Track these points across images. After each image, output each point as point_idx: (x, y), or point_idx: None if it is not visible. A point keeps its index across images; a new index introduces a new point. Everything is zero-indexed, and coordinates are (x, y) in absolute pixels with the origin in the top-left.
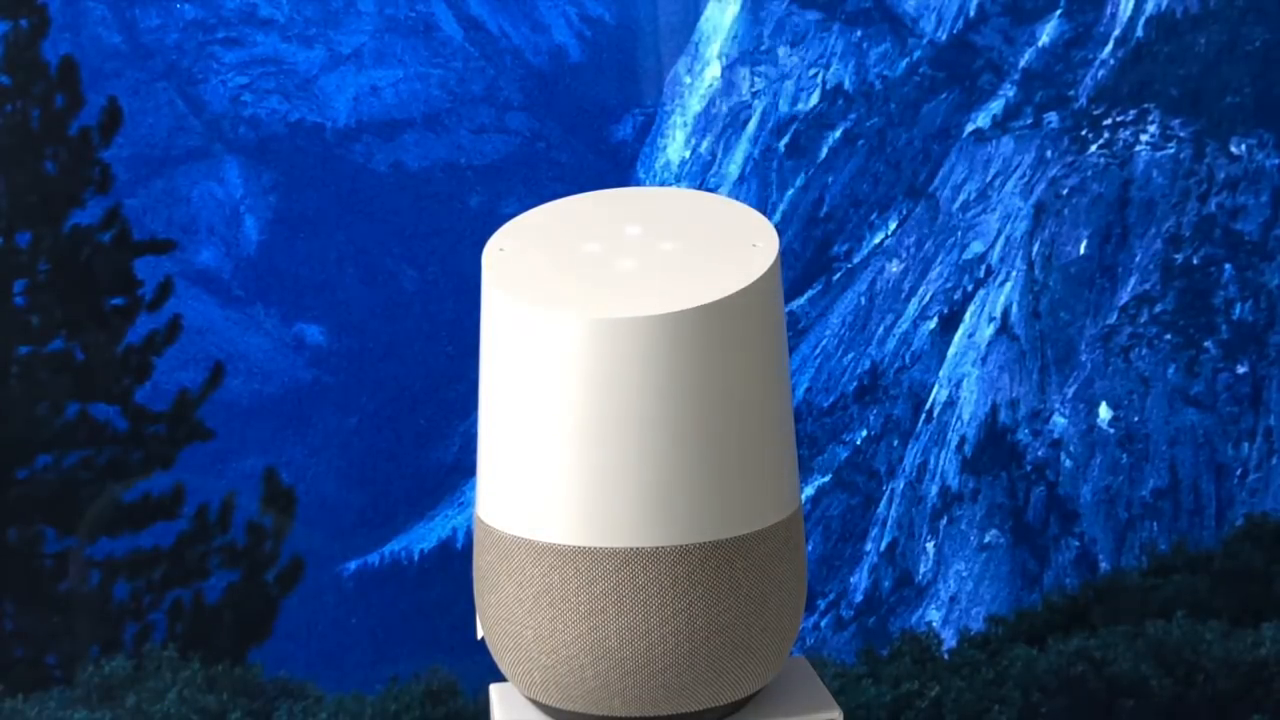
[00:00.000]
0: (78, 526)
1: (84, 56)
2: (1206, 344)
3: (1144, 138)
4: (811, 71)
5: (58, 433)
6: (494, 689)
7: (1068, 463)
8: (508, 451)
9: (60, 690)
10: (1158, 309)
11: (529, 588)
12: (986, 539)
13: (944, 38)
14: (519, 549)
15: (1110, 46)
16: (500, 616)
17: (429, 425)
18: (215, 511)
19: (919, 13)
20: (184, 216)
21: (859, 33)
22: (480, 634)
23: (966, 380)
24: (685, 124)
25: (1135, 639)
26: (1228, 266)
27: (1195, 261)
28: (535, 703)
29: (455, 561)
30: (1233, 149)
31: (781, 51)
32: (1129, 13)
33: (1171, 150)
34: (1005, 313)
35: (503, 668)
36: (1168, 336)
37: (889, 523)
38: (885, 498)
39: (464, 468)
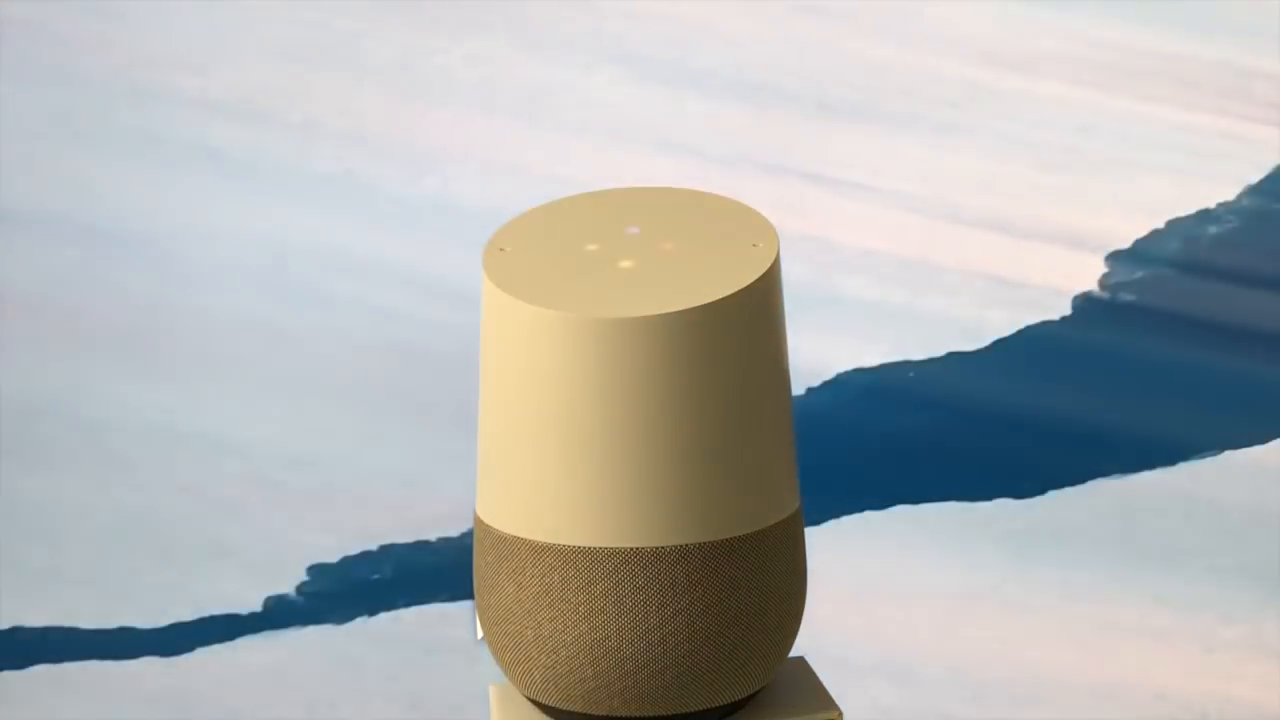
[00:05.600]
0: None
1: None
2: None
3: None
4: None
5: None
6: (493, 689)
7: None
8: (507, 451)
9: None
10: None
11: (529, 588)
12: None
13: None
14: (519, 549)
15: None
16: (500, 616)
17: None
18: None
19: None
20: None
21: None
22: (479, 635)
23: None
24: None
25: None
26: None
27: None
28: (535, 703)
29: None
30: None
31: None
32: None
33: None
34: None
35: (502, 668)
36: None
37: None
38: None
39: None
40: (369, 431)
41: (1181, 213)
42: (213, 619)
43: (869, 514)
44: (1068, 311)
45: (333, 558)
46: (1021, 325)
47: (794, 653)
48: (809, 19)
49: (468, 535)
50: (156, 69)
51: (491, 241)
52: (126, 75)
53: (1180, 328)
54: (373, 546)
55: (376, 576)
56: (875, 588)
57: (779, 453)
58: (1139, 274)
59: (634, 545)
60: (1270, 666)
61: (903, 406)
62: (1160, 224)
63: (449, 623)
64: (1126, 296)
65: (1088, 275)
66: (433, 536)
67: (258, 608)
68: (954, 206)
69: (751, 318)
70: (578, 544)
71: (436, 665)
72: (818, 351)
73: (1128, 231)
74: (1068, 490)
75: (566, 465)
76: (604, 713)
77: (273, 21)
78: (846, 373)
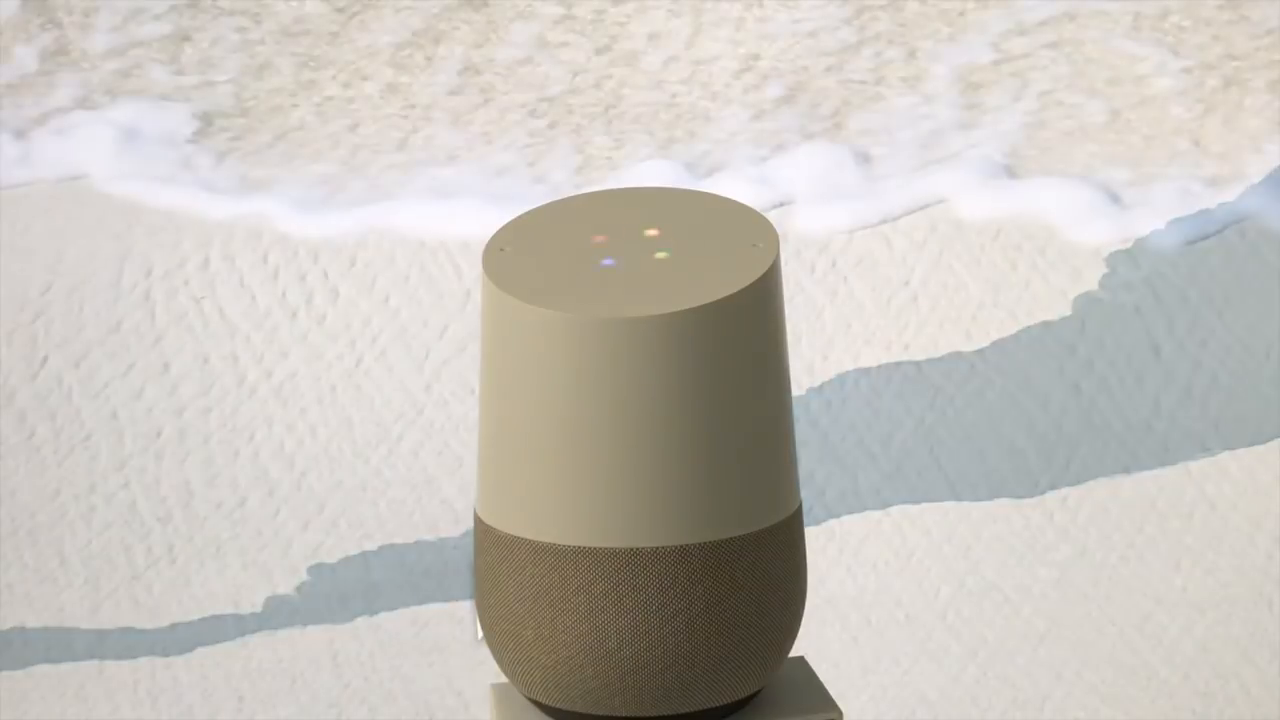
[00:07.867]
0: None
1: None
2: None
3: None
4: None
5: None
6: (493, 689)
7: None
8: (507, 451)
9: None
10: None
11: (529, 588)
12: None
13: None
14: (519, 549)
15: None
16: (500, 616)
17: None
18: None
19: None
20: None
21: None
22: (479, 635)
23: None
24: None
25: None
26: None
27: None
28: (535, 703)
29: None
30: None
31: None
32: None
33: None
34: None
35: (502, 668)
36: None
37: None
38: None
39: None
40: (369, 431)
41: (1181, 213)
42: (213, 619)
43: (869, 514)
44: (1068, 312)
45: (333, 558)
46: (1021, 325)
47: (794, 653)
48: (809, 17)
49: (468, 535)
50: (156, 68)
51: (491, 241)
52: (127, 75)
53: (1180, 328)
54: (373, 546)
55: (376, 576)
56: (875, 588)
57: (779, 453)
58: (1139, 274)
59: (634, 545)
60: (1270, 667)
61: (903, 406)
62: (1160, 224)
63: (449, 623)
64: (1126, 296)
65: (1088, 275)
66: (433, 536)
67: (258, 608)
68: (954, 206)
69: (751, 318)
70: (578, 544)
71: (436, 665)
72: (818, 351)
73: (1128, 231)
74: (1068, 490)
75: (566, 465)
76: (604, 713)
77: (274, 21)
78: (846, 373)
